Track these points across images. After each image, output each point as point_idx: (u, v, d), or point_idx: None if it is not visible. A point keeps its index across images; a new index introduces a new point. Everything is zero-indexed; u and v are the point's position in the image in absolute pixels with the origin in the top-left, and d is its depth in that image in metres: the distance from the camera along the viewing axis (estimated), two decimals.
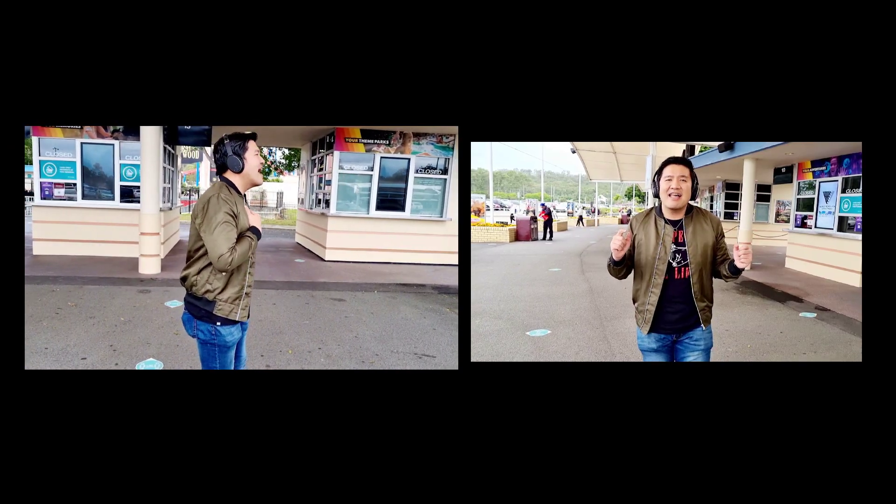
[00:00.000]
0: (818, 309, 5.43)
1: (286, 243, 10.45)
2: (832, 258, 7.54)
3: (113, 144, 7.23)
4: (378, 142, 7.81)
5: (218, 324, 1.84)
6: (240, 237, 1.81)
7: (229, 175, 1.89)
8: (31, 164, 7.17)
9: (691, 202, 1.91)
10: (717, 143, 9.17)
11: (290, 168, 16.90)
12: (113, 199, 7.31)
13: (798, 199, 8.80)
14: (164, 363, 3.32)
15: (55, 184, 7.18)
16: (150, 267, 6.15)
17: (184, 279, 1.87)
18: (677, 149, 13.05)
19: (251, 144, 1.89)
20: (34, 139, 7.04)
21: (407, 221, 8.02)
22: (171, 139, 8.10)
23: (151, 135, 6.20)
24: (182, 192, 21.55)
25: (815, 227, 8.16)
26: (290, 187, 22.67)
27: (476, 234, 14.32)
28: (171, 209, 8.27)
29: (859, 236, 7.01)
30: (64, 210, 7.11)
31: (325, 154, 8.51)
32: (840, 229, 7.56)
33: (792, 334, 4.49)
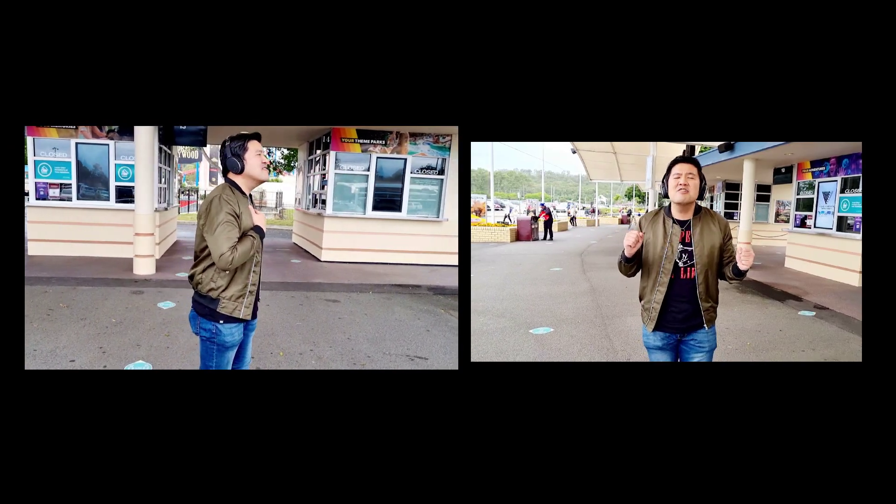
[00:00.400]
0: (817, 308, 5.49)
1: (283, 243, 10.42)
2: (831, 258, 7.59)
3: (108, 144, 7.20)
4: (374, 142, 7.78)
5: (220, 322, 1.87)
6: (242, 236, 1.84)
7: (232, 176, 1.93)
8: (27, 164, 7.14)
9: (699, 203, 1.93)
10: (717, 144, 9.15)
11: (289, 168, 16.88)
12: (108, 199, 7.28)
13: (797, 200, 8.84)
14: (153, 365, 3.29)
15: (50, 184, 7.15)
16: (144, 268, 6.12)
17: (191, 278, 1.93)
18: (677, 149, 13.03)
19: (252, 145, 1.91)
20: (29, 139, 7.01)
21: (403, 222, 7.99)
22: (167, 139, 8.07)
23: (145, 135, 6.17)
24: (182, 193, 21.60)
25: (815, 226, 8.21)
26: (290, 187, 22.68)
27: (477, 234, 14.39)
28: (166, 209, 8.24)
29: (858, 236, 7.07)
30: (59, 210, 7.08)
31: (324, 154, 8.48)
32: (839, 229, 7.61)
33: (791, 332, 4.54)
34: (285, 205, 24.26)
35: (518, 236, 14.89)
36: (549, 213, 16.24)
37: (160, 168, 8.00)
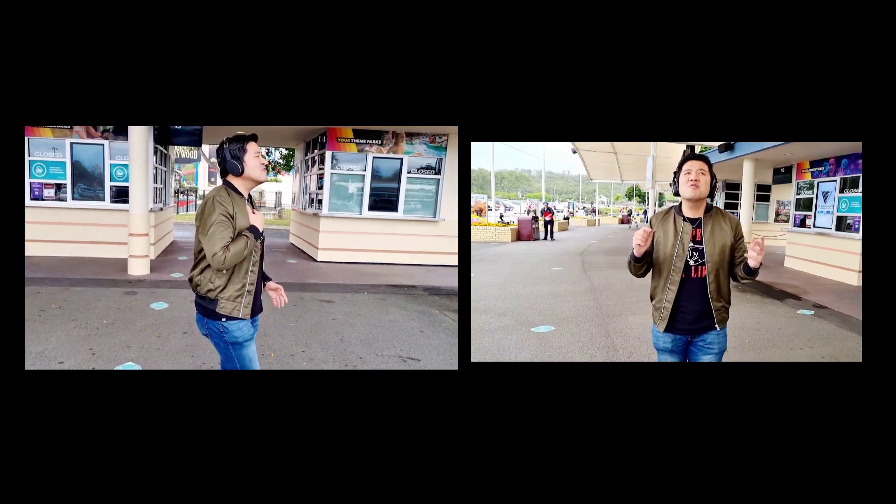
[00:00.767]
0: (816, 306, 5.54)
1: (280, 244, 10.40)
2: (830, 257, 7.64)
3: (103, 144, 7.17)
4: (370, 142, 7.75)
5: (224, 320, 1.89)
6: (237, 236, 1.84)
7: (231, 178, 1.93)
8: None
9: (709, 201, 1.92)
10: (717, 144, 9.16)
11: (287, 168, 16.87)
12: (103, 199, 7.25)
13: (797, 199, 8.87)
14: (142, 367, 3.26)
15: (45, 184, 7.13)
16: (138, 268, 6.09)
17: (190, 280, 1.95)
18: (677, 149, 13.02)
19: (250, 146, 1.91)
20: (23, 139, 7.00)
21: (400, 222, 7.96)
22: (163, 139, 8.05)
23: (140, 135, 6.14)
24: (181, 193, 21.58)
25: (814, 226, 8.24)
26: (289, 187, 22.65)
27: (478, 234, 14.44)
28: (162, 210, 8.21)
29: (857, 235, 7.13)
30: (54, 211, 7.05)
31: (321, 153, 8.45)
32: (838, 229, 7.64)
33: (789, 330, 4.58)
34: (284, 205, 24.26)
35: (519, 236, 14.95)
36: (553, 213, 16.29)
37: (156, 168, 7.98)
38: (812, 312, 5.27)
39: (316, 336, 4.05)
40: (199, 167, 27.07)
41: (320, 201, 8.01)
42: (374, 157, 7.80)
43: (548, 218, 15.64)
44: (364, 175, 7.83)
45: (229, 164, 1.90)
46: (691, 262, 1.86)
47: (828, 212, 7.90)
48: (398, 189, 7.92)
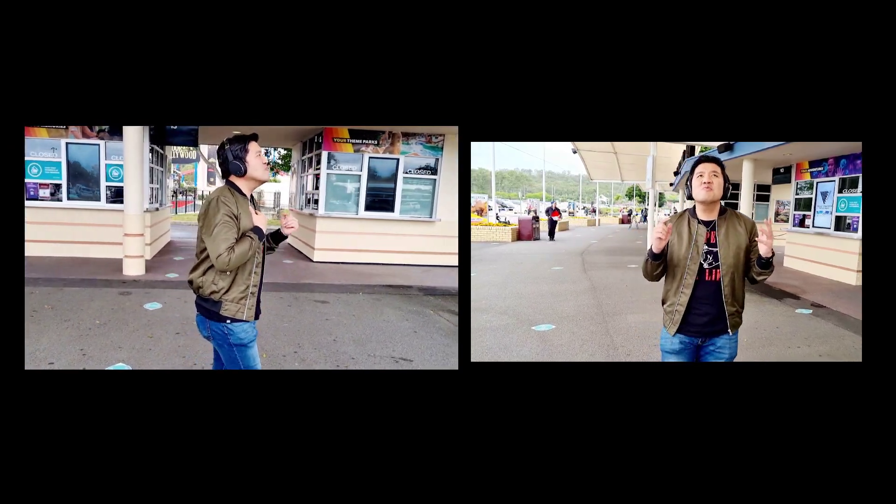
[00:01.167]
0: (814, 306, 5.58)
1: (279, 245, 10.38)
2: (829, 257, 7.67)
3: (98, 144, 7.16)
4: (366, 142, 7.73)
5: (228, 322, 1.86)
6: (241, 237, 1.82)
7: (233, 178, 1.91)
8: None
9: (723, 203, 1.90)
10: (716, 144, 9.16)
11: (286, 168, 16.85)
12: (99, 199, 7.24)
13: (796, 199, 8.90)
14: (132, 367, 3.24)
15: (40, 184, 7.12)
16: (133, 268, 6.08)
17: (191, 282, 1.91)
18: (677, 149, 13.00)
19: (252, 146, 1.89)
20: None
21: (396, 222, 7.94)
22: (159, 139, 8.03)
23: (134, 134, 6.13)
24: (180, 193, 21.58)
25: (813, 226, 8.27)
26: (287, 187, 22.64)
27: (479, 234, 14.48)
28: (158, 210, 8.19)
29: (856, 235, 7.17)
30: (49, 211, 7.04)
31: (317, 154, 8.44)
32: (837, 228, 7.66)
33: (787, 329, 4.62)
34: (282, 205, 24.25)
35: (519, 236, 14.99)
36: (560, 212, 16.33)
37: (151, 168, 7.96)
38: (810, 311, 5.30)
39: (309, 336, 4.04)
40: (197, 167, 27.07)
41: (317, 201, 7.99)
42: (370, 158, 7.78)
43: (555, 217, 15.62)
44: (360, 175, 7.82)
45: (232, 164, 1.87)
46: (705, 265, 1.84)
47: (827, 212, 7.92)
48: (394, 189, 7.91)
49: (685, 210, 1.95)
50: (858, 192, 7.26)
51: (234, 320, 1.87)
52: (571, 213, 32.41)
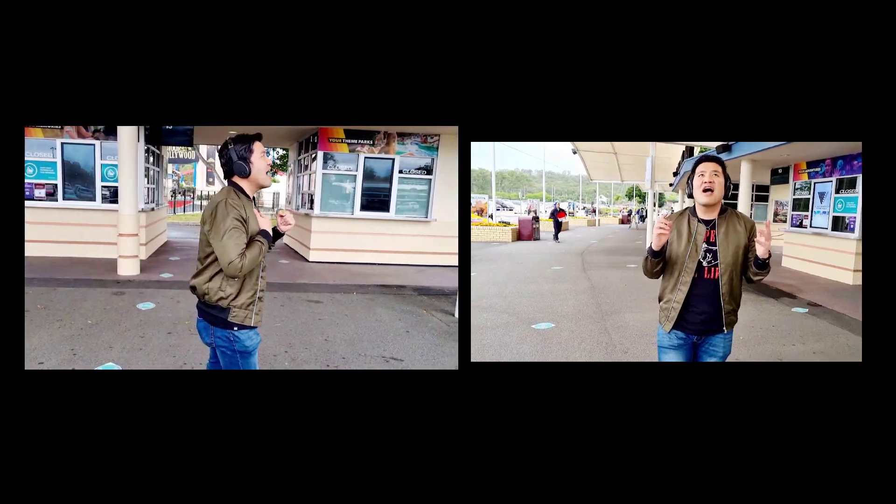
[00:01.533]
0: (810, 305, 5.63)
1: (276, 244, 10.39)
2: (826, 257, 7.70)
3: (94, 144, 7.16)
4: (362, 142, 7.73)
5: (235, 329, 1.81)
6: (250, 242, 1.78)
7: (237, 179, 1.84)
8: None
9: (724, 202, 1.90)
10: (714, 145, 9.17)
11: (284, 168, 16.85)
12: (94, 199, 7.24)
13: (794, 200, 8.92)
14: (122, 367, 3.24)
15: (36, 184, 7.12)
16: (128, 268, 6.08)
17: (193, 288, 1.83)
18: (677, 150, 12.98)
19: (257, 146, 1.83)
20: None
21: (391, 222, 7.94)
22: (155, 139, 8.03)
23: (128, 134, 6.13)
24: (179, 193, 21.57)
25: (811, 226, 8.29)
26: (284, 187, 22.62)
27: (479, 234, 14.53)
28: (153, 210, 8.19)
29: (852, 235, 7.22)
30: (44, 211, 7.04)
31: (312, 154, 8.43)
32: (835, 229, 7.69)
33: (783, 327, 4.68)
34: (281, 205, 24.24)
35: (519, 236, 15.01)
36: (566, 213, 16.22)
37: (147, 168, 7.96)
38: (806, 310, 5.35)
39: (301, 336, 4.03)
40: (197, 167, 27.07)
41: (312, 201, 7.99)
42: (365, 158, 7.78)
43: (561, 219, 15.50)
44: (356, 175, 7.81)
45: (236, 165, 1.80)
46: (704, 263, 1.85)
47: (824, 212, 7.95)
48: (390, 189, 7.90)
49: (685, 208, 1.96)
50: (855, 193, 7.30)
51: (241, 327, 1.82)
52: (571, 214, 32.43)
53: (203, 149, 22.34)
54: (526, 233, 15.08)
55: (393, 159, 7.82)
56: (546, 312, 5.15)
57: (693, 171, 1.89)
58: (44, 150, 7.07)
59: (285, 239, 10.35)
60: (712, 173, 1.83)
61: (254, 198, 1.90)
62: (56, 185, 7.15)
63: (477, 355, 3.82)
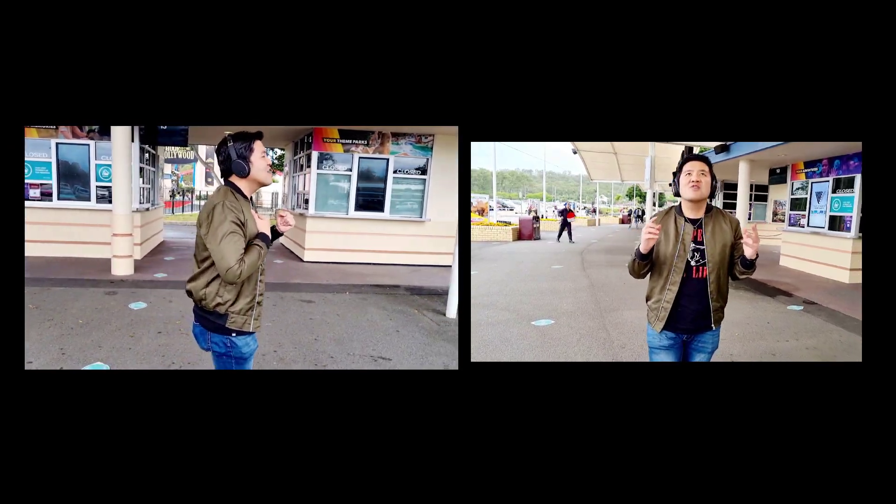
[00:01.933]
0: (806, 302, 5.70)
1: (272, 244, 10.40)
2: (823, 256, 7.75)
3: (88, 144, 7.17)
4: (356, 142, 7.73)
5: (233, 335, 1.77)
6: (248, 246, 1.71)
7: (234, 179, 1.78)
8: None
9: (710, 202, 1.92)
10: (713, 145, 9.20)
11: (281, 168, 16.87)
12: (89, 199, 7.25)
13: (792, 199, 8.96)
14: (110, 367, 3.24)
15: (30, 184, 7.13)
16: (122, 268, 6.09)
17: (190, 293, 1.78)
18: (676, 150, 12.96)
19: (257, 145, 1.77)
20: None
21: (386, 222, 7.94)
22: (151, 139, 8.04)
23: (122, 134, 6.14)
24: (178, 193, 21.60)
25: (808, 225, 8.33)
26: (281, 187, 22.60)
27: (480, 234, 14.60)
28: (148, 210, 8.20)
29: (849, 234, 7.28)
30: (39, 211, 7.04)
31: (307, 154, 8.43)
32: (831, 228, 7.73)
33: (778, 324, 4.75)
34: (280, 205, 24.21)
35: (520, 236, 15.05)
36: (574, 214, 16.10)
37: (142, 168, 7.97)
38: (801, 308, 5.40)
39: (290, 336, 4.03)
40: (196, 167, 27.11)
41: (307, 201, 7.99)
42: (360, 158, 7.78)
43: (570, 219, 15.29)
44: (350, 175, 7.81)
45: (235, 163, 1.73)
46: (693, 263, 1.86)
47: (821, 211, 7.98)
48: (384, 189, 7.90)
49: (671, 208, 1.96)
50: (851, 193, 7.33)
51: (239, 333, 1.77)
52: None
53: (202, 149, 22.38)
54: (526, 232, 15.16)
55: (387, 159, 7.82)
56: (546, 309, 5.21)
57: (680, 169, 1.90)
58: (38, 150, 7.08)
59: (282, 239, 10.35)
60: (699, 172, 1.84)
61: (251, 198, 1.84)
62: (51, 185, 7.16)
63: (479, 351, 3.87)
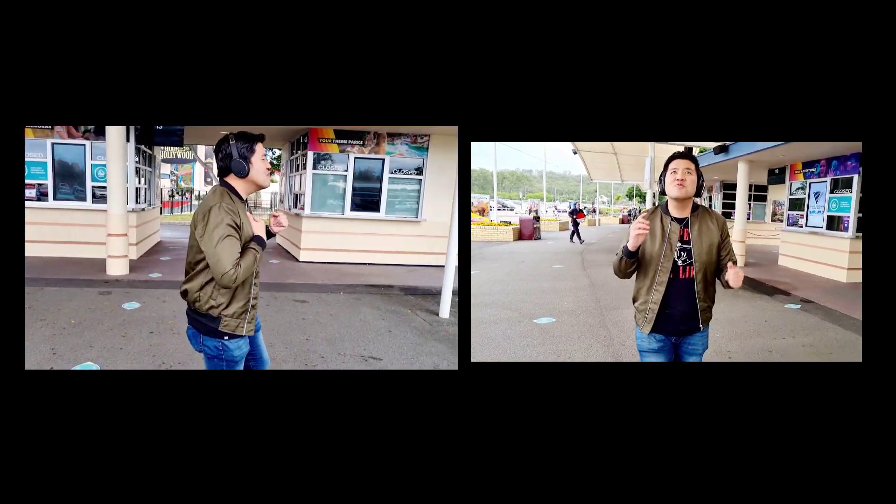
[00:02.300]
0: (803, 301, 5.75)
1: (267, 244, 10.40)
2: (821, 255, 7.78)
3: (84, 144, 7.18)
4: (352, 142, 7.72)
5: (225, 338, 1.76)
6: (244, 250, 1.70)
7: (231, 179, 1.76)
8: None
9: (696, 200, 1.91)
10: (712, 145, 9.21)
11: (279, 168, 16.89)
12: (85, 199, 7.25)
13: (790, 199, 8.97)
14: (101, 367, 3.24)
15: (27, 184, 7.14)
16: (117, 268, 6.09)
17: (184, 294, 1.77)
18: (676, 150, 12.93)
19: (259, 147, 1.76)
20: None
21: (382, 222, 7.93)
22: (147, 139, 8.05)
23: (117, 134, 6.14)
24: (178, 193, 21.62)
25: (807, 225, 8.35)
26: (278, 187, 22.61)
27: (480, 234, 14.63)
28: (143, 210, 8.20)
29: (846, 234, 7.31)
30: (35, 211, 7.05)
31: (303, 154, 8.42)
32: (829, 228, 7.76)
33: (775, 322, 4.81)
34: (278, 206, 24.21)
35: (520, 235, 15.10)
36: (584, 214, 15.96)
37: (138, 168, 7.97)
38: (798, 307, 5.45)
39: (282, 336, 4.03)
40: (195, 168, 27.14)
41: (303, 201, 7.99)
42: (355, 158, 7.78)
43: (580, 220, 15.13)
44: (346, 175, 7.81)
45: (235, 163, 1.71)
46: (679, 263, 1.84)
47: (819, 211, 8.00)
48: (380, 189, 7.90)
49: (657, 206, 1.94)
50: (849, 193, 7.35)
51: (231, 336, 1.75)
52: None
53: (201, 149, 22.40)
54: (527, 232, 15.17)
55: (383, 159, 7.82)
56: (547, 308, 5.26)
57: (666, 168, 1.88)
58: (34, 150, 7.09)
59: (277, 238, 10.36)
60: (685, 170, 1.82)
61: (246, 200, 1.82)
62: (47, 186, 7.17)
63: (482, 349, 3.89)
